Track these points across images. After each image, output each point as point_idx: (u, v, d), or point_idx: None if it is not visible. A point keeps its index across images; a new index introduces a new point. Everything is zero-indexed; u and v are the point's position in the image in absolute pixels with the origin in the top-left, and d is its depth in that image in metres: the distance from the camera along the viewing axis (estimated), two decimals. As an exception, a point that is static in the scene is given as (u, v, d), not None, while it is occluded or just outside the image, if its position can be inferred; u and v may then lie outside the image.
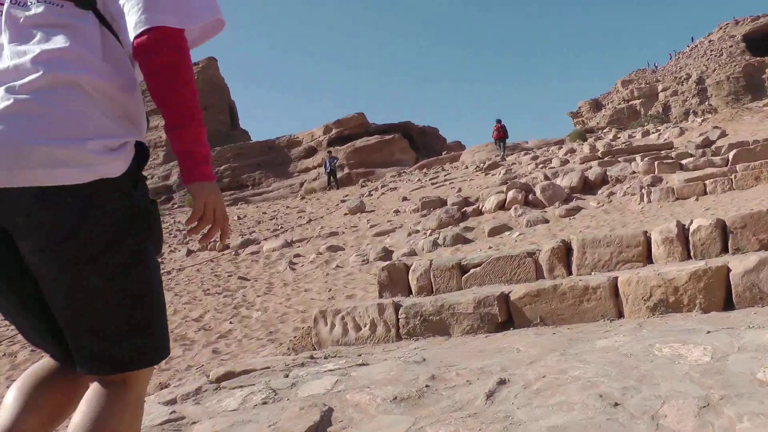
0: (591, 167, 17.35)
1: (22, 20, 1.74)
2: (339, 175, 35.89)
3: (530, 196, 15.68)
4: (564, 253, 5.75)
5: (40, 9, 1.73)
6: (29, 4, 1.75)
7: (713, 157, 15.45)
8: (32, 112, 1.58)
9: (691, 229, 5.44)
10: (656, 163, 15.77)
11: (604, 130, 49.69)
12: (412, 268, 6.13)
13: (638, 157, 16.92)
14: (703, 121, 21.86)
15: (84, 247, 1.61)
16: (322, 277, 11.93)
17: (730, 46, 72.45)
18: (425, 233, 14.61)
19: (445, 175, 27.04)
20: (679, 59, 76.91)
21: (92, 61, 1.70)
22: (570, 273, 5.70)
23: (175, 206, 42.07)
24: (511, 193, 15.69)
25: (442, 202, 17.58)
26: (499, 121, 32.64)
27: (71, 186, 1.58)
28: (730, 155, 15.07)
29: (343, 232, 16.79)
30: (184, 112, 1.76)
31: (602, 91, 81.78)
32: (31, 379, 1.82)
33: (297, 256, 14.51)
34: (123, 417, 1.69)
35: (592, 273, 5.55)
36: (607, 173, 16.34)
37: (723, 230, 5.37)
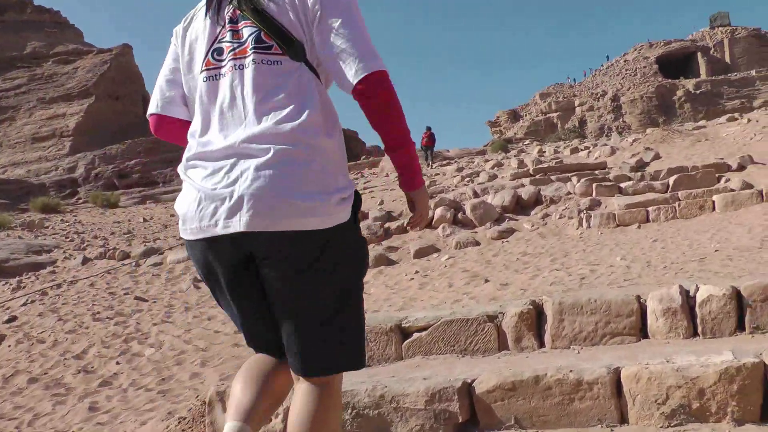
0: (524, 185, 16.37)
1: (248, 81, 2.05)
2: None
3: (459, 215, 14.56)
4: (534, 318, 4.51)
5: (263, 69, 2.05)
6: (246, 64, 2.06)
7: (653, 182, 14.63)
8: (285, 173, 1.93)
9: (699, 299, 4.25)
10: (594, 185, 14.85)
11: (525, 143, 49.75)
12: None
13: (573, 178, 15.96)
14: (634, 141, 21.18)
15: (319, 274, 2.01)
16: None
17: (644, 67, 74.51)
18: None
19: (364, 183, 25.84)
20: (595, 76, 78.45)
21: (318, 121, 2.03)
22: (542, 345, 4.46)
23: (80, 201, 39.54)
24: (438, 211, 14.53)
25: (362, 216, 16.31)
26: (428, 129, 32.10)
27: (316, 230, 1.96)
28: (671, 181, 14.28)
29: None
30: (400, 137, 2.13)
31: (521, 101, 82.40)
32: (255, 370, 2.19)
33: None
34: (336, 409, 2.15)
35: (572, 347, 4.33)
36: (541, 193, 15.36)
37: (738, 302, 4.19)
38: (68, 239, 20.27)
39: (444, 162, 31.94)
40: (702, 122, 27.31)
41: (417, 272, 11.36)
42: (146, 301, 11.24)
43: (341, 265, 2.06)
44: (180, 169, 2.18)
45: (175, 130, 2.34)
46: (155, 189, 41.89)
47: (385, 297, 9.78)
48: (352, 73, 1.99)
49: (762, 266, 6.72)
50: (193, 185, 2.05)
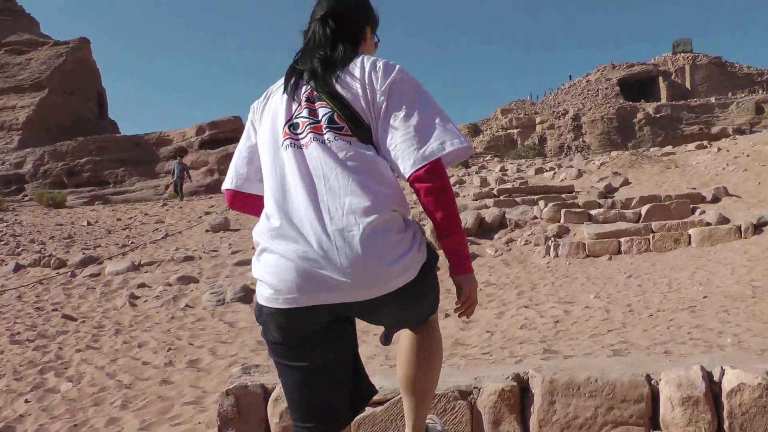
0: (487, 206, 15.54)
1: (324, 153, 2.18)
2: (188, 184, 32.64)
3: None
4: (518, 397, 3.59)
5: (337, 143, 2.19)
6: (324, 140, 2.20)
7: (624, 210, 13.88)
8: (374, 243, 2.06)
9: (726, 386, 3.36)
10: (563, 210, 14.04)
11: (486, 158, 49.21)
12: (273, 396, 3.82)
13: (540, 201, 15.15)
14: (601, 164, 20.48)
15: (416, 305, 2.28)
16: (166, 321, 9.49)
17: (606, 88, 75.11)
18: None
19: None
20: (557, 95, 78.68)
21: (390, 193, 2.18)
22: (526, 430, 3.57)
23: (27, 199, 37.80)
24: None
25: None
26: None
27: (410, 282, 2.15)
28: (643, 210, 13.56)
29: (201, 257, 14.17)
30: (452, 223, 2.22)
31: (482, 116, 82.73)
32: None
33: (142, 285, 11.83)
34: (440, 341, 2.53)
35: (566, 439, 3.44)
36: (506, 216, 14.53)
37: (776, 392, 3.32)
38: (2, 242, 18.91)
39: None
40: (669, 148, 26.76)
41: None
42: (75, 320, 10.07)
43: (429, 296, 2.34)
44: (258, 239, 2.24)
45: (251, 204, 2.48)
46: (105, 189, 40.20)
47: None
48: (411, 163, 2.14)
49: (765, 326, 5.92)
50: (284, 256, 2.10)
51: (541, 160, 34.20)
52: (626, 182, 17.73)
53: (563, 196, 16.25)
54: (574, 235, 13.12)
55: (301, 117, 2.25)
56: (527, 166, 27.23)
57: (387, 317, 2.32)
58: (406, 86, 2.23)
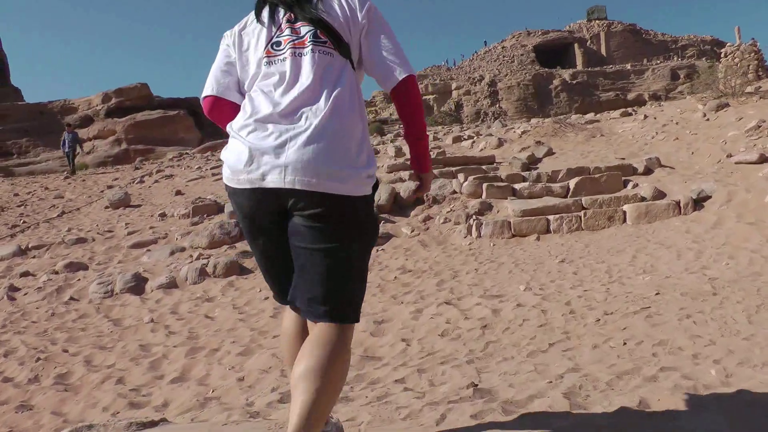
0: (402, 180, 14.17)
1: (304, 63, 2.44)
2: (81, 154, 30.31)
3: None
4: None
5: (320, 56, 2.45)
6: (305, 52, 2.46)
7: (551, 184, 12.65)
8: (328, 146, 2.30)
9: None
10: (484, 185, 12.73)
11: (401, 124, 48.16)
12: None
13: (460, 174, 13.83)
14: (523, 133, 19.29)
15: (341, 229, 2.35)
16: (45, 320, 8.11)
17: (522, 55, 75.04)
18: (192, 254, 10.78)
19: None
20: (473, 60, 78.38)
21: (358, 108, 2.45)
22: None
23: None
24: (303, 208, 12.10)
25: (218, 208, 13.71)
26: None
27: (346, 195, 2.32)
28: (571, 183, 12.35)
29: (94, 239, 12.42)
30: (422, 129, 2.66)
31: None
32: (294, 342, 2.71)
33: (25, 274, 10.12)
34: (347, 354, 2.38)
35: None
36: (424, 191, 13.19)
37: None
38: None
39: None
40: (592, 115, 25.85)
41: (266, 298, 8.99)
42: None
43: (358, 229, 2.42)
44: (229, 127, 2.47)
45: (228, 113, 2.59)
46: (9, 161, 37.22)
47: (230, 326, 7.36)
48: (395, 74, 2.51)
49: (746, 343, 4.67)
50: (244, 142, 2.35)
51: (458, 127, 33.01)
52: (550, 152, 16.55)
53: (484, 167, 14.96)
54: (498, 212, 11.85)
55: (284, 36, 2.51)
56: (444, 134, 25.96)
57: (311, 232, 2.35)
58: (379, 13, 2.62)
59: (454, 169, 14.88)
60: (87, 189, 21.39)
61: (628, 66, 70.06)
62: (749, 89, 20.04)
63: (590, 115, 26.51)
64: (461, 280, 8.49)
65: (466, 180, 13.21)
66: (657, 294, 6.45)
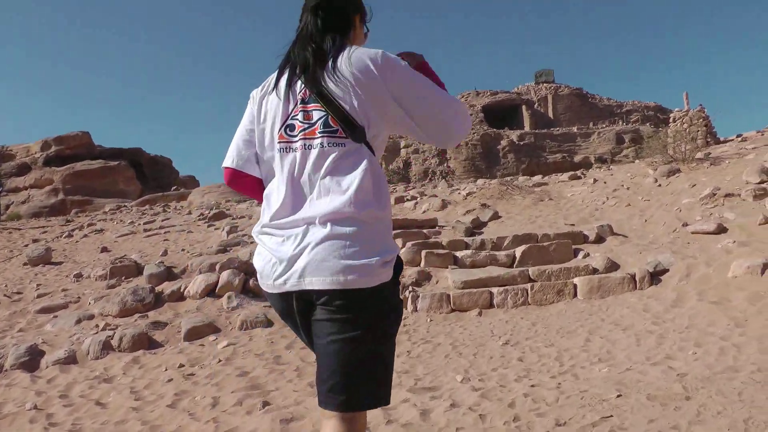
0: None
1: (314, 157, 2.40)
2: (29, 204, 28.93)
3: (251, 281, 10.99)
4: None
5: (329, 149, 2.38)
6: (314, 145, 2.40)
7: (496, 252, 11.62)
8: (342, 245, 2.28)
9: None
10: (424, 252, 11.65)
11: None
12: None
13: (399, 239, 12.75)
14: (468, 194, 18.37)
15: (363, 320, 2.33)
16: None
17: (471, 114, 74.60)
18: (99, 323, 9.50)
19: (163, 220, 21.99)
20: None
21: (370, 197, 2.34)
22: None
23: None
24: (225, 275, 10.90)
25: (138, 270, 12.40)
26: None
27: (365, 288, 2.29)
28: (518, 252, 11.34)
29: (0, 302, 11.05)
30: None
31: None
32: None
33: None
34: None
35: None
36: (358, 256, 12.10)
37: None
38: None
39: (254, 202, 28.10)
40: (539, 178, 25.14)
41: (181, 366, 7.76)
42: None
43: (379, 316, 2.37)
44: (254, 232, 2.56)
45: (248, 185, 2.65)
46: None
47: (119, 417, 6.09)
48: (451, 132, 2.52)
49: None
50: (266, 248, 2.45)
51: (403, 186, 32.14)
52: (496, 216, 15.61)
53: (425, 231, 13.89)
54: (437, 282, 10.76)
55: (297, 119, 2.45)
56: (391, 197, 25.07)
57: (332, 326, 2.35)
58: (401, 70, 2.44)
59: (394, 232, 13.84)
60: (11, 243, 19.90)
61: (575, 129, 70.74)
62: (699, 155, 19.53)
63: (538, 178, 25.83)
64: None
65: (404, 246, 12.14)
66: (619, 396, 5.34)
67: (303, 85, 2.45)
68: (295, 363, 7.72)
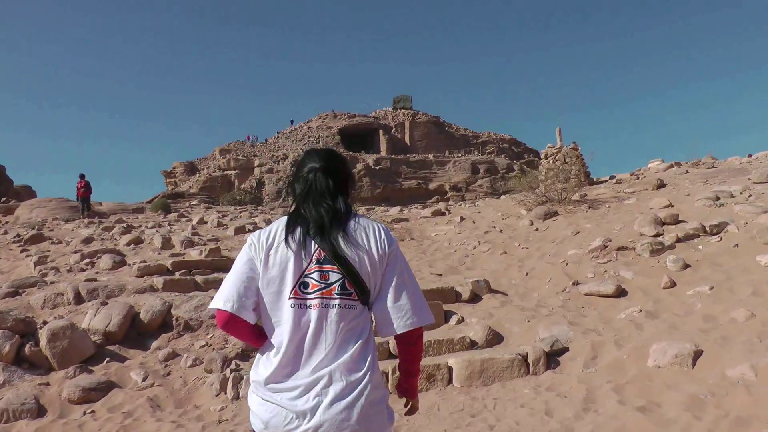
0: (155, 289, 10.32)
1: (330, 319, 2.57)
2: None
3: (29, 346, 8.11)
4: None
5: (345, 310, 2.58)
6: (332, 305, 2.56)
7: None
8: (355, 402, 2.47)
9: None
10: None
11: (193, 202, 44.43)
12: None
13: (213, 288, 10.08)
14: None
15: None
16: None
17: (327, 136, 74.39)
18: None
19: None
20: (278, 138, 77.15)
21: (372, 356, 2.60)
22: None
23: None
24: (-11, 338, 7.98)
25: None
26: (82, 177, 27.89)
27: None
28: (378, 312, 8.96)
29: None
30: (417, 370, 2.90)
31: (200, 154, 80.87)
32: None
33: None
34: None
35: None
36: (173, 311, 9.36)
37: None
38: None
39: (103, 221, 24.25)
40: (398, 211, 22.88)
41: None
42: None
43: None
44: (258, 383, 2.62)
45: (242, 329, 2.67)
46: None
47: None
48: (402, 322, 2.67)
49: None
50: (279, 402, 2.52)
51: (249, 211, 29.23)
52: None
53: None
54: (273, 355, 8.23)
55: (312, 278, 2.58)
56: (231, 219, 22.24)
57: None
58: (400, 256, 2.74)
59: (224, 276, 11.19)
60: None
61: (431, 156, 70.62)
62: (575, 196, 17.87)
63: (396, 210, 23.65)
64: None
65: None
66: None
67: (317, 246, 2.60)
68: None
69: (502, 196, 23.98)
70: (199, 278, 11.07)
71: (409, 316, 2.62)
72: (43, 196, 40.81)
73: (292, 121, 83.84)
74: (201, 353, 8.40)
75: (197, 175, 67.11)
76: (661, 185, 18.31)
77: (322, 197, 2.66)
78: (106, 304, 9.47)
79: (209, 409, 7.05)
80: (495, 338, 8.49)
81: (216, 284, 10.89)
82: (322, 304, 2.53)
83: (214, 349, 8.48)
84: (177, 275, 11.34)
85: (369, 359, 2.56)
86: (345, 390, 2.46)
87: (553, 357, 7.79)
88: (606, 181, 22.45)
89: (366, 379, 2.51)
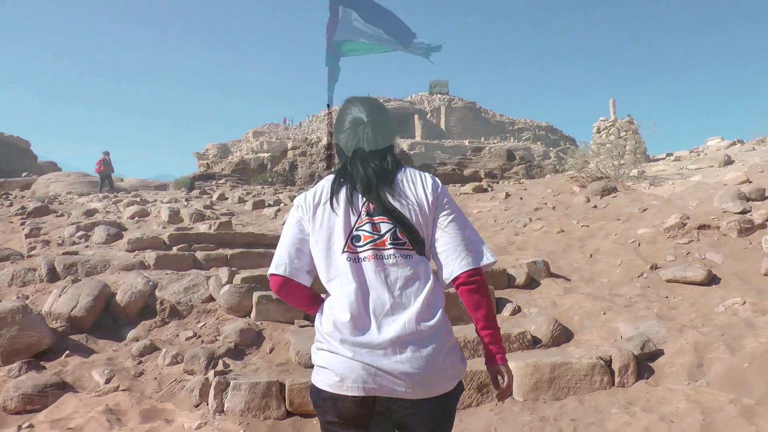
0: (146, 266, 8.60)
1: (388, 269, 2.41)
2: None
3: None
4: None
5: (401, 260, 2.41)
6: (386, 255, 2.41)
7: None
8: (429, 357, 2.32)
9: None
10: (256, 295, 7.20)
11: (220, 182, 43.09)
12: None
13: (223, 270, 8.19)
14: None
15: (447, 413, 2.44)
16: None
17: None
18: None
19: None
20: (312, 122, 76.11)
21: (441, 307, 2.43)
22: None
23: None
24: None
25: None
26: (106, 154, 28.13)
27: (438, 396, 2.38)
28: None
29: None
30: (493, 320, 2.48)
31: (234, 137, 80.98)
32: None
33: None
34: None
35: None
36: (158, 293, 7.57)
37: None
38: None
39: (118, 195, 22.87)
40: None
41: None
42: None
43: (455, 408, 2.52)
44: (325, 338, 2.43)
45: (297, 293, 2.57)
46: None
47: None
48: (459, 264, 2.42)
49: None
50: (354, 355, 2.33)
51: (273, 188, 27.52)
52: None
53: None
54: (273, 350, 6.39)
55: (364, 231, 2.44)
56: (254, 195, 20.56)
57: (419, 427, 2.40)
58: (448, 198, 2.54)
59: (229, 252, 9.40)
60: None
61: (466, 142, 69.07)
62: (633, 172, 15.84)
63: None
64: None
65: (229, 280, 7.67)
66: None
67: (366, 201, 2.47)
68: None
69: (547, 176, 21.93)
70: (199, 254, 9.28)
71: (463, 257, 2.41)
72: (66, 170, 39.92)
73: (328, 105, 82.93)
74: (186, 347, 6.60)
75: (230, 157, 66.20)
76: (729, 162, 16.26)
77: (372, 156, 2.54)
78: (79, 281, 7.72)
79: (183, 426, 5.23)
80: (562, 335, 6.58)
81: (220, 261, 9.11)
82: (376, 255, 2.41)
83: (203, 341, 6.68)
84: (174, 250, 9.55)
85: (437, 309, 2.40)
86: (417, 339, 2.32)
87: (644, 362, 5.84)
88: (663, 159, 20.37)
89: (438, 327, 2.36)
